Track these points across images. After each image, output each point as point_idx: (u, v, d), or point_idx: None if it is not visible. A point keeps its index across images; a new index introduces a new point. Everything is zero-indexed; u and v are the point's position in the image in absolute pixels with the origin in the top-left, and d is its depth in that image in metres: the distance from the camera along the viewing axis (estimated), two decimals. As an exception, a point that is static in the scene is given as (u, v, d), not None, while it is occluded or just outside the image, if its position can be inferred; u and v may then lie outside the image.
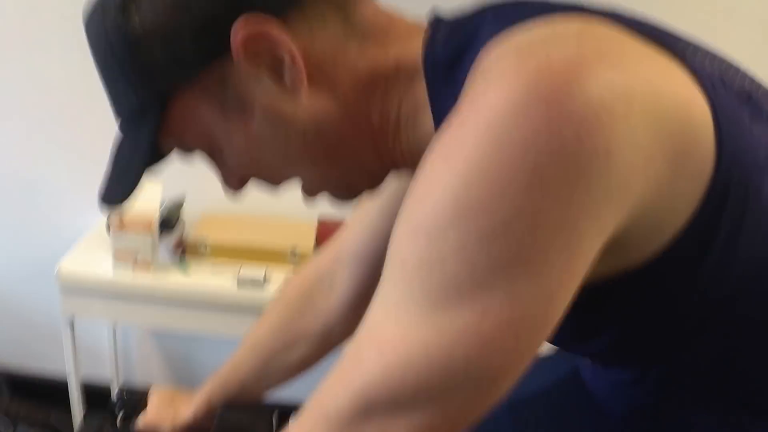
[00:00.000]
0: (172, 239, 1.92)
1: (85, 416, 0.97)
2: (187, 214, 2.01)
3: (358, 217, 0.99)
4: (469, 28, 0.62)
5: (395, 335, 0.52)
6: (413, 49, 0.64)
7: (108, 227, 1.87)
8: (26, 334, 2.29)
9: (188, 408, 1.01)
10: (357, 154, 0.69)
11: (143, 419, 1.00)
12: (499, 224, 0.48)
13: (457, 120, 0.52)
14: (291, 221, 2.05)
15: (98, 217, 2.00)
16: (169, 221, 1.91)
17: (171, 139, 0.70)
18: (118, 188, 0.70)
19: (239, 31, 0.60)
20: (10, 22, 1.97)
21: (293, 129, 0.65)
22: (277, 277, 1.84)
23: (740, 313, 0.61)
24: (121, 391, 1.09)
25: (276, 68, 0.63)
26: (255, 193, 1.88)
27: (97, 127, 2.02)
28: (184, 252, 1.91)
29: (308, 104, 0.64)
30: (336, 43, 0.63)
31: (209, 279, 1.83)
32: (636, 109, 0.49)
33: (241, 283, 1.79)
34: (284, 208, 2.10)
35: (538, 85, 0.48)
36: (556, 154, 0.47)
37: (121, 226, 1.76)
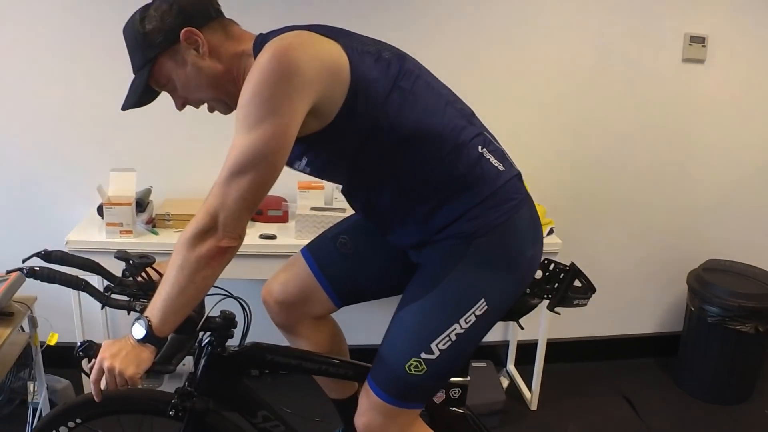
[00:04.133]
0: (144, 216, 2.74)
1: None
2: (154, 198, 2.85)
3: None
4: (267, 36, 1.46)
5: (236, 143, 1.33)
6: (250, 45, 1.49)
7: (99, 210, 2.67)
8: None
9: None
10: (228, 87, 1.48)
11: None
12: (261, 98, 1.31)
13: (252, 69, 1.35)
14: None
15: (89, 208, 2.81)
16: (141, 203, 2.73)
17: (153, 81, 1.50)
18: (130, 102, 1.51)
19: (184, 34, 1.44)
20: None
21: (202, 72, 1.47)
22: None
23: (373, 142, 1.47)
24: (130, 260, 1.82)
25: (196, 48, 1.46)
26: (201, 183, 2.69)
27: (83, 139, 2.88)
28: (154, 225, 2.73)
29: (208, 62, 1.47)
30: (221, 40, 1.48)
31: (172, 238, 2.64)
32: (309, 54, 1.35)
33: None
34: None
35: (273, 52, 1.33)
36: (278, 72, 1.31)
37: (110, 204, 2.57)
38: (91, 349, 1.46)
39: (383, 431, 1.61)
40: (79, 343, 1.46)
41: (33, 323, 2.16)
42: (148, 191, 2.81)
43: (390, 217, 1.62)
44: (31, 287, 1.98)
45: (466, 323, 1.52)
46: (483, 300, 1.52)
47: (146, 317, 1.40)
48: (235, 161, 1.34)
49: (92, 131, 2.88)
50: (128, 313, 1.64)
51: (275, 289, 1.90)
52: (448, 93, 1.59)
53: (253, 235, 2.71)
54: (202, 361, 1.70)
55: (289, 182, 2.72)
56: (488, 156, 1.55)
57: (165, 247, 2.58)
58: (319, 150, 1.52)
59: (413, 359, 1.53)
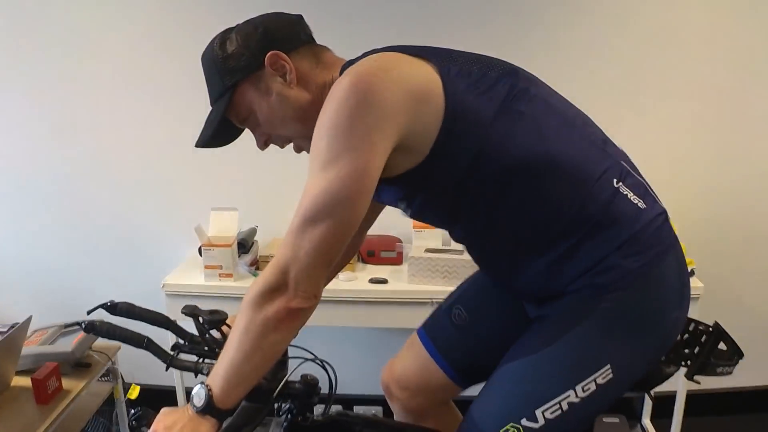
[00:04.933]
0: (248, 258, 2.52)
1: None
2: (260, 238, 2.63)
3: None
4: (354, 61, 1.27)
5: (310, 187, 1.14)
6: (338, 72, 1.28)
7: (200, 251, 2.49)
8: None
9: None
10: (315, 119, 1.21)
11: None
12: (335, 133, 1.12)
13: (326, 99, 1.17)
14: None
15: (192, 248, 2.64)
16: (244, 244, 2.52)
17: (232, 113, 1.32)
18: (204, 138, 1.34)
19: (269, 58, 1.27)
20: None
21: (289, 102, 1.29)
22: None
23: (477, 180, 1.24)
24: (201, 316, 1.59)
25: (283, 75, 1.28)
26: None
27: (183, 176, 2.73)
28: (258, 267, 2.51)
29: (296, 92, 1.29)
30: (311, 67, 1.31)
31: (276, 283, 2.41)
32: (391, 79, 1.15)
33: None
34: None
35: (350, 79, 1.14)
36: (355, 102, 1.11)
37: (210, 245, 2.38)
38: (144, 418, 1.20)
39: None
40: (132, 411, 1.20)
41: (114, 374, 1.97)
42: (253, 231, 2.60)
43: (507, 269, 1.38)
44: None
45: (584, 392, 1.26)
46: (609, 367, 1.26)
47: (207, 385, 1.18)
48: (309, 207, 1.14)
49: (193, 168, 2.75)
50: (195, 376, 1.40)
51: (396, 373, 1.71)
52: (576, 114, 1.34)
53: (362, 279, 2.47)
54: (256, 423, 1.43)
55: (405, 220, 2.43)
56: (625, 191, 1.28)
57: None
58: (414, 191, 1.31)
59: (511, 425, 1.27)
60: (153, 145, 2.74)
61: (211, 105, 1.35)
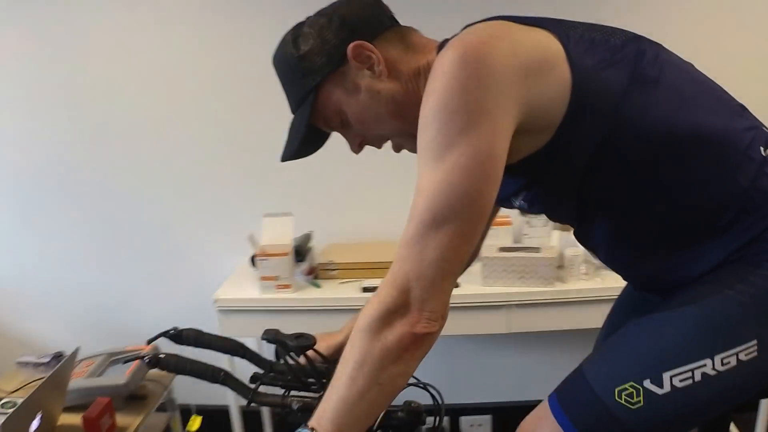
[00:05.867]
0: (304, 266, 2.29)
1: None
2: (315, 245, 2.40)
3: None
4: (448, 40, 1.09)
5: (425, 184, 0.95)
6: (434, 55, 1.10)
7: (252, 261, 2.26)
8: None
9: (343, 331, 1.35)
10: (414, 112, 1.07)
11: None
12: (447, 114, 0.94)
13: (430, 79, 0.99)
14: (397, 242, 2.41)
15: (242, 258, 2.42)
16: (300, 252, 2.29)
17: (319, 118, 1.14)
18: (290, 149, 1.16)
19: (352, 49, 1.09)
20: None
21: (381, 97, 1.12)
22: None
23: (613, 160, 1.05)
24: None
25: (371, 66, 1.10)
26: (367, 226, 2.31)
27: (232, 181, 2.51)
28: (316, 276, 2.28)
29: (387, 84, 1.12)
30: (400, 54, 1.13)
31: (338, 292, 2.19)
32: (507, 47, 0.98)
33: (366, 290, 2.14)
34: (391, 235, 2.47)
35: (457, 50, 0.96)
36: (467, 75, 0.94)
37: (265, 254, 2.15)
38: None
39: None
40: None
41: (171, 406, 1.74)
42: (308, 237, 2.37)
43: (648, 262, 1.17)
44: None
45: (722, 365, 1.04)
46: (755, 342, 1.04)
47: (312, 429, 0.98)
48: (428, 208, 0.95)
49: (242, 172, 2.55)
50: (282, 411, 1.19)
51: None
52: (707, 79, 1.16)
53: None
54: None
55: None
56: None
57: (330, 303, 2.17)
58: (536, 181, 1.14)
59: (631, 384, 1.05)
60: (193, 148, 2.53)
61: (293, 112, 1.17)
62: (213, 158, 2.53)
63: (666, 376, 1.04)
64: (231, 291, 2.25)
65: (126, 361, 1.37)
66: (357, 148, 1.20)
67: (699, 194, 1.07)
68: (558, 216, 1.25)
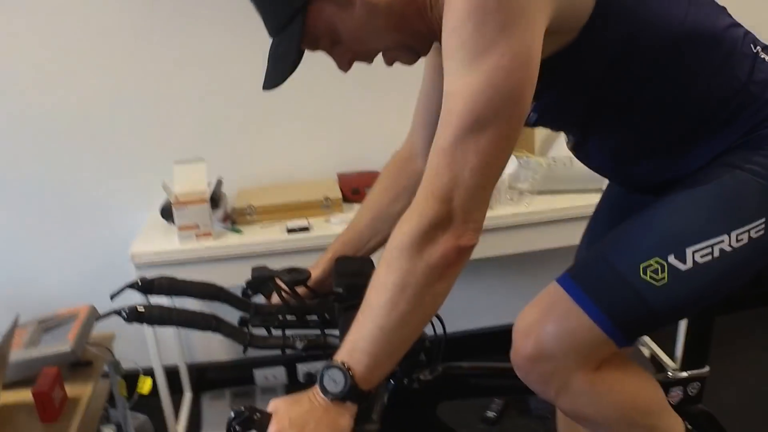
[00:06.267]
0: (219, 213, 2.22)
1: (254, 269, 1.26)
2: (226, 191, 2.32)
3: (417, 111, 1.40)
4: None
5: (461, 87, 0.91)
6: None
7: (163, 212, 2.16)
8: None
9: (318, 266, 1.32)
10: (413, 23, 1.06)
11: None
12: (483, 12, 0.89)
13: None
14: (315, 180, 2.38)
15: (149, 211, 2.30)
16: (214, 199, 2.21)
17: (307, 39, 1.05)
18: (277, 77, 1.07)
19: None
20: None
21: (378, 9, 1.03)
22: (317, 224, 2.15)
23: (629, 62, 1.07)
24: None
25: None
26: (277, 169, 2.23)
27: (134, 129, 2.36)
28: (234, 222, 2.22)
29: None
30: None
31: (261, 235, 2.15)
32: None
33: (291, 231, 2.11)
34: (305, 175, 2.44)
35: None
36: None
37: (181, 203, 2.05)
38: (252, 421, 0.95)
39: (552, 371, 1.11)
40: (233, 414, 0.95)
41: (116, 369, 1.66)
42: (219, 183, 2.29)
43: (650, 163, 1.22)
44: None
45: (737, 241, 1.08)
46: (763, 221, 1.09)
47: (344, 363, 0.95)
48: (468, 111, 0.91)
49: (143, 119, 2.39)
50: (282, 353, 1.17)
51: None
52: None
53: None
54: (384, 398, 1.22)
55: (385, 154, 2.21)
56: (764, 55, 1.16)
57: (256, 248, 2.12)
58: (552, 82, 1.07)
59: (656, 260, 1.07)
60: (95, 95, 2.34)
61: (273, 36, 1.09)
62: (114, 105, 2.36)
63: (689, 251, 1.07)
64: (147, 245, 2.14)
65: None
66: (347, 65, 1.13)
67: (707, 89, 1.11)
68: (565, 124, 1.27)
